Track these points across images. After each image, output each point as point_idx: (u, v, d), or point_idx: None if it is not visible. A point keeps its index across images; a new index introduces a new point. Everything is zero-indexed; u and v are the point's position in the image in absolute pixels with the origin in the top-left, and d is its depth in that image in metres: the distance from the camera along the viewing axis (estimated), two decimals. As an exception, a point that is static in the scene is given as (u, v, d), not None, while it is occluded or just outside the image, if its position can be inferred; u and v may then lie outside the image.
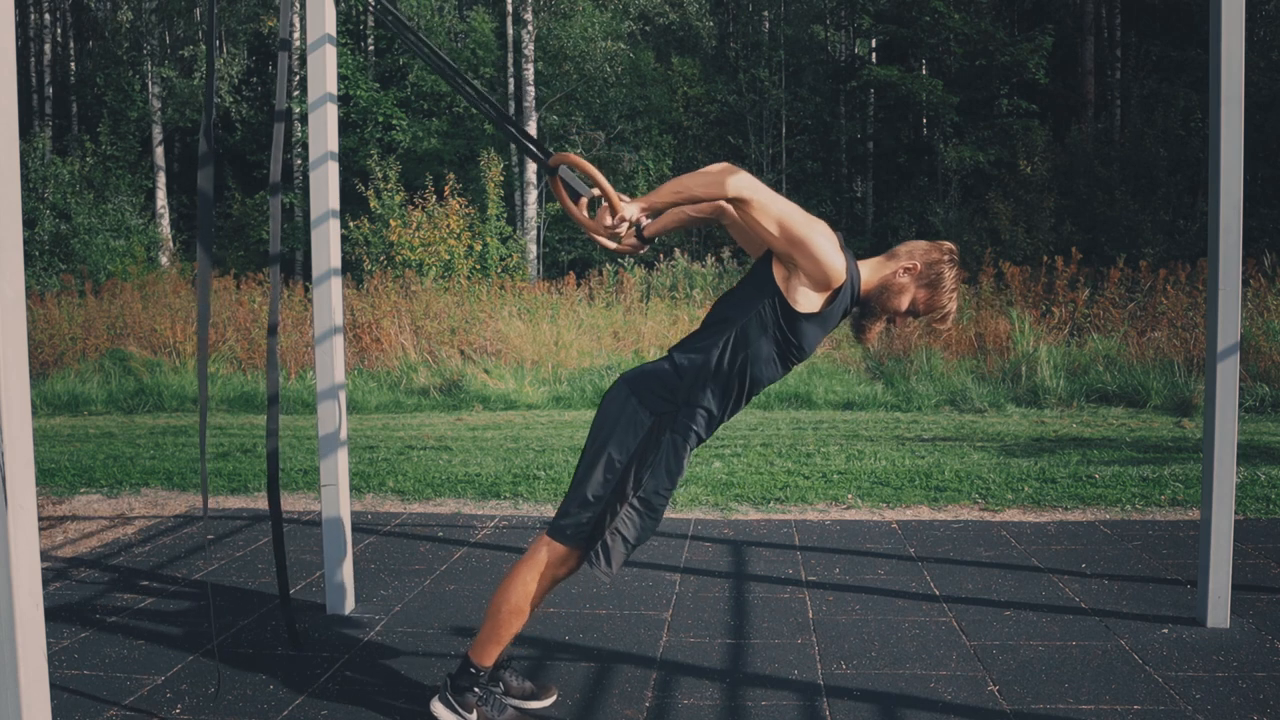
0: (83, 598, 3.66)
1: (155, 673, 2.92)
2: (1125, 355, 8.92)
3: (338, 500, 3.37)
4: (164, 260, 18.19)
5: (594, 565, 2.41)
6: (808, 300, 2.33)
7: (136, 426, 8.14)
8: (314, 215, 3.31)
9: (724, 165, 2.27)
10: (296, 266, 18.97)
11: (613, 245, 2.44)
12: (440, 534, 4.55)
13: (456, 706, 2.50)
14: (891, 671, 2.88)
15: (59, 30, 22.62)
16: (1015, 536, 4.34)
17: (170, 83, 18.91)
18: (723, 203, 2.34)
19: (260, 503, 5.26)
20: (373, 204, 13.79)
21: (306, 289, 11.82)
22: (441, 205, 13.21)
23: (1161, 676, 2.80)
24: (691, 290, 11.86)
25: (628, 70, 18.66)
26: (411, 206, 13.38)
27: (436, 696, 2.54)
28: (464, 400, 9.03)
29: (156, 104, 19.21)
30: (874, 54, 21.51)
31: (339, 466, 3.36)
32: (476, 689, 2.52)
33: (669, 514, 4.91)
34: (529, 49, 17.98)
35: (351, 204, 14.70)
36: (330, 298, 3.31)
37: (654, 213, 2.37)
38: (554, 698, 2.72)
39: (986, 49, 18.02)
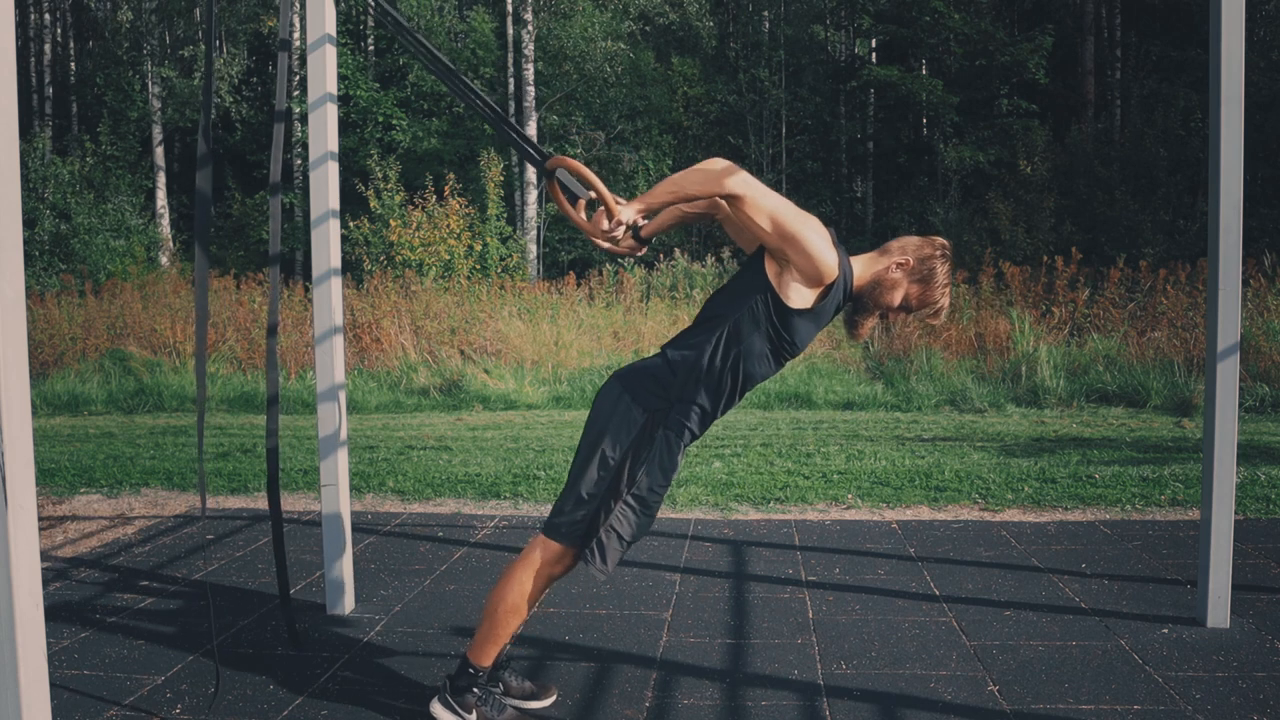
0: (83, 598, 3.66)
1: (155, 673, 2.92)
2: (1125, 355, 8.92)
3: (338, 500, 3.37)
4: (164, 260, 18.19)
5: (589, 563, 2.41)
6: (800, 296, 2.33)
7: (136, 426, 8.14)
8: (314, 215, 3.31)
9: (716, 161, 2.27)
10: (296, 266, 18.97)
11: (611, 248, 2.44)
12: (440, 534, 4.55)
13: (455, 707, 2.50)
14: (891, 671, 2.88)
15: (59, 30, 22.62)
16: (1015, 536, 4.34)
17: (170, 83, 18.91)
18: (717, 198, 2.34)
19: (260, 503, 5.26)
20: (373, 204, 13.79)
21: (306, 289, 11.82)
22: (441, 205, 13.21)
23: (1161, 676, 2.80)
24: (691, 290, 11.86)
25: (628, 70, 18.66)
26: (411, 206, 13.38)
27: (436, 698, 2.54)
28: (464, 400, 9.03)
29: (156, 104, 19.21)
30: (874, 54, 21.51)
31: (339, 466, 3.36)
32: (475, 689, 2.52)
33: (669, 514, 4.91)
34: (529, 49, 17.98)
35: (351, 204, 14.69)
36: (330, 298, 3.31)
37: (650, 213, 2.37)
38: (554, 698, 2.72)
39: (986, 49, 18.02)
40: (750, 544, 4.30)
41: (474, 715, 2.51)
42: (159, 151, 19.50)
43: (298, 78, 17.76)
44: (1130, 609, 3.37)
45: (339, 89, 16.82)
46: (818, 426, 7.50)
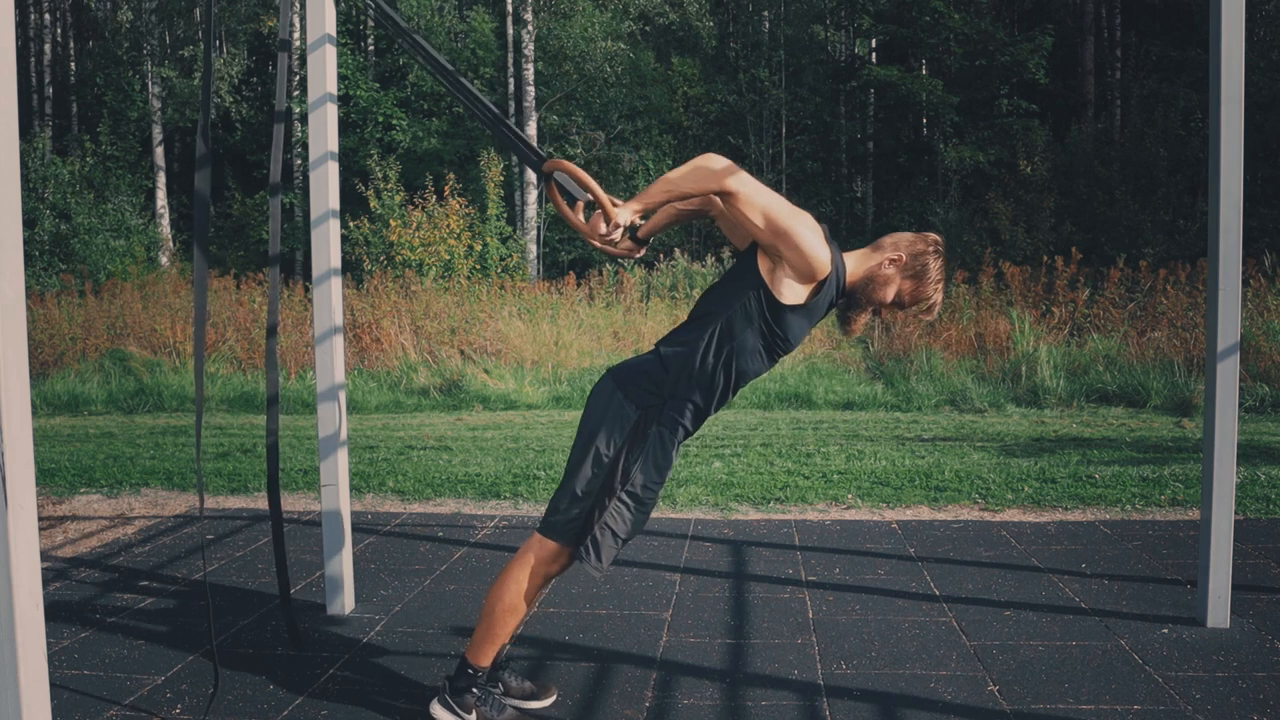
0: (83, 598, 3.66)
1: (155, 673, 2.92)
2: (1125, 355, 8.92)
3: (338, 500, 3.37)
4: (164, 260, 18.20)
5: (584, 560, 2.41)
6: (793, 292, 2.33)
7: (136, 426, 8.14)
8: (314, 215, 3.31)
9: (710, 157, 2.26)
10: (296, 266, 18.98)
11: (609, 250, 2.43)
12: (440, 534, 4.55)
13: (455, 708, 2.50)
14: (891, 671, 2.88)
15: (59, 30, 22.62)
16: (1015, 536, 4.34)
17: (170, 83, 18.91)
18: (711, 195, 2.33)
19: (260, 503, 5.26)
20: (373, 204, 13.79)
21: (306, 289, 11.82)
22: (441, 205, 13.21)
23: (1161, 676, 2.80)
24: (691, 290, 11.86)
25: (628, 70, 18.66)
26: (411, 206, 13.38)
27: (435, 698, 2.54)
28: (464, 400, 9.03)
29: (156, 104, 19.22)
30: (874, 54, 21.52)
31: (339, 466, 3.36)
32: (475, 689, 2.52)
33: (669, 514, 4.91)
34: (529, 49, 17.98)
35: (351, 204, 14.70)
36: (330, 298, 3.31)
37: (647, 213, 2.37)
38: (554, 698, 2.72)
39: (986, 49, 18.02)
40: (750, 544, 4.30)
41: (473, 715, 2.51)
42: (159, 151, 19.50)
43: (298, 78, 17.76)
44: (1130, 609, 3.37)
45: (339, 89, 16.83)
46: (818, 426, 7.50)
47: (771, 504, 5.06)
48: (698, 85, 20.28)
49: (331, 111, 3.27)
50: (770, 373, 9.38)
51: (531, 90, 18.05)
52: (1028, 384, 8.67)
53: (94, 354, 10.60)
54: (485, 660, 2.52)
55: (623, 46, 18.24)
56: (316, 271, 3.32)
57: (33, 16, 21.33)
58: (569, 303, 11.21)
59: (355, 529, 4.51)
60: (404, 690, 2.79)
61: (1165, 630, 3.17)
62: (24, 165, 16.59)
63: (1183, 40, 18.52)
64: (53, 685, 2.73)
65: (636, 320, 10.79)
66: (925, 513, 4.88)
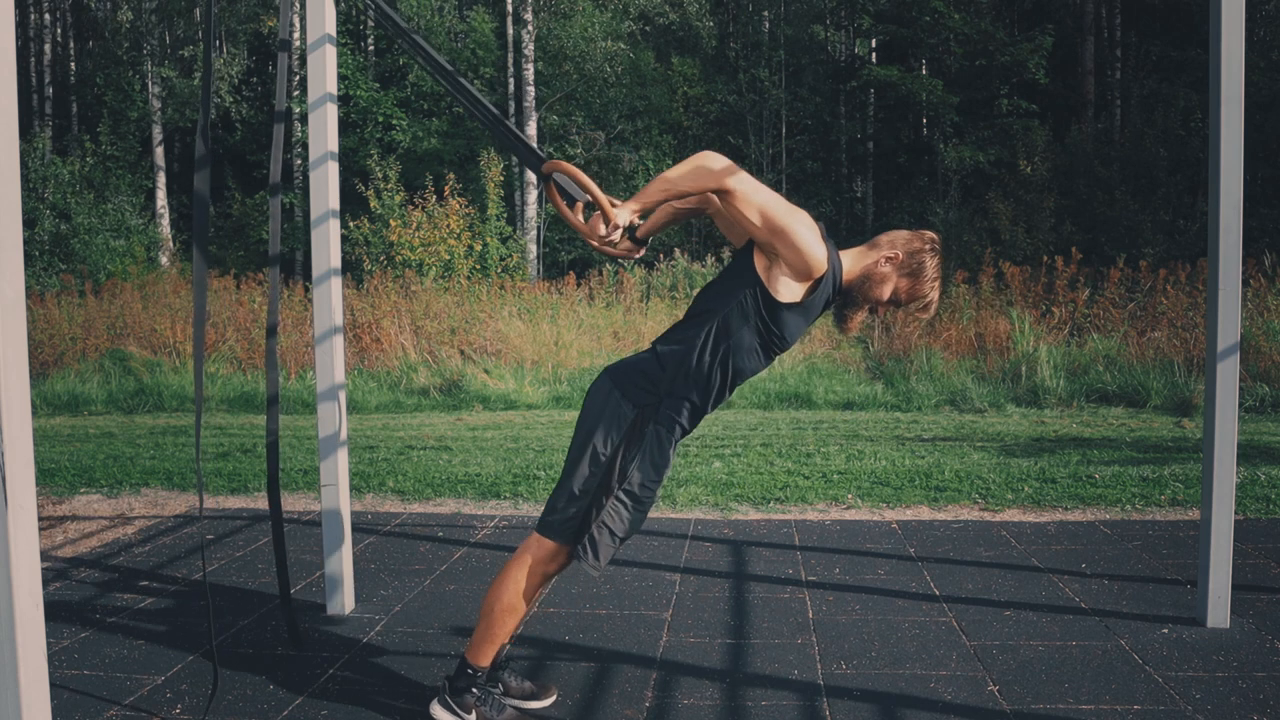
0: (83, 598, 3.66)
1: (155, 673, 2.92)
2: (1125, 355, 8.92)
3: (338, 500, 3.37)
4: (164, 260, 18.20)
5: (582, 559, 2.41)
6: (789, 290, 2.33)
7: (136, 426, 8.14)
8: (314, 215, 3.30)
9: (706, 154, 2.26)
10: (296, 266, 18.98)
11: (609, 251, 2.43)
12: (440, 534, 4.55)
13: (455, 708, 2.50)
14: (891, 671, 2.88)
15: (59, 30, 22.62)
16: (1015, 536, 4.34)
17: (170, 83, 18.91)
18: (708, 193, 2.33)
19: (260, 503, 5.26)
20: (373, 204, 13.79)
21: (306, 289, 11.83)
22: (441, 205, 13.21)
23: (1161, 676, 2.80)
24: (691, 290, 11.86)
25: (628, 70, 18.66)
26: (411, 206, 13.38)
27: (435, 699, 2.54)
28: (464, 400, 9.03)
29: (156, 104, 19.22)
30: (874, 54, 21.51)
31: (339, 466, 3.36)
32: (474, 689, 2.51)
33: (669, 514, 4.91)
34: (529, 49, 17.98)
35: (351, 204, 14.70)
36: (330, 298, 3.31)
37: (645, 213, 2.37)
38: (554, 698, 2.72)
39: (986, 49, 18.02)
40: (750, 544, 4.30)
41: (473, 715, 2.51)
42: (159, 151, 19.51)
43: (298, 78, 17.76)
44: (1130, 609, 3.37)
45: (339, 89, 16.83)
46: (818, 426, 7.50)
47: (771, 504, 5.06)
48: (698, 85, 20.28)
49: (331, 111, 3.27)
50: (770, 373, 9.38)
51: (531, 90, 18.05)
52: (1028, 384, 8.67)
53: (94, 354, 10.60)
54: (485, 660, 2.52)
55: (623, 46, 18.24)
56: (316, 271, 3.32)
57: (33, 16, 21.33)
58: (569, 303, 11.21)
59: (355, 529, 4.51)
60: (404, 690, 2.80)
61: (1165, 630, 3.17)
62: (24, 165, 16.59)
63: (1183, 40, 18.52)
64: (53, 685, 2.73)
65: (636, 320, 10.79)
66: (925, 513, 4.88)
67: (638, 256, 2.54)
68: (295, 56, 16.22)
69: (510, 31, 18.46)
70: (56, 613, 3.44)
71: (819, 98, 20.58)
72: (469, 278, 12.55)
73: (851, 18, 20.71)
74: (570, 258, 18.65)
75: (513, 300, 11.21)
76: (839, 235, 18.00)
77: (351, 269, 12.87)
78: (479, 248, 13.63)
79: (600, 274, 12.44)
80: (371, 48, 20.75)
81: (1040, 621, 3.27)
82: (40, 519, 4.90)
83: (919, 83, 18.24)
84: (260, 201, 19.52)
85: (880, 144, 20.78)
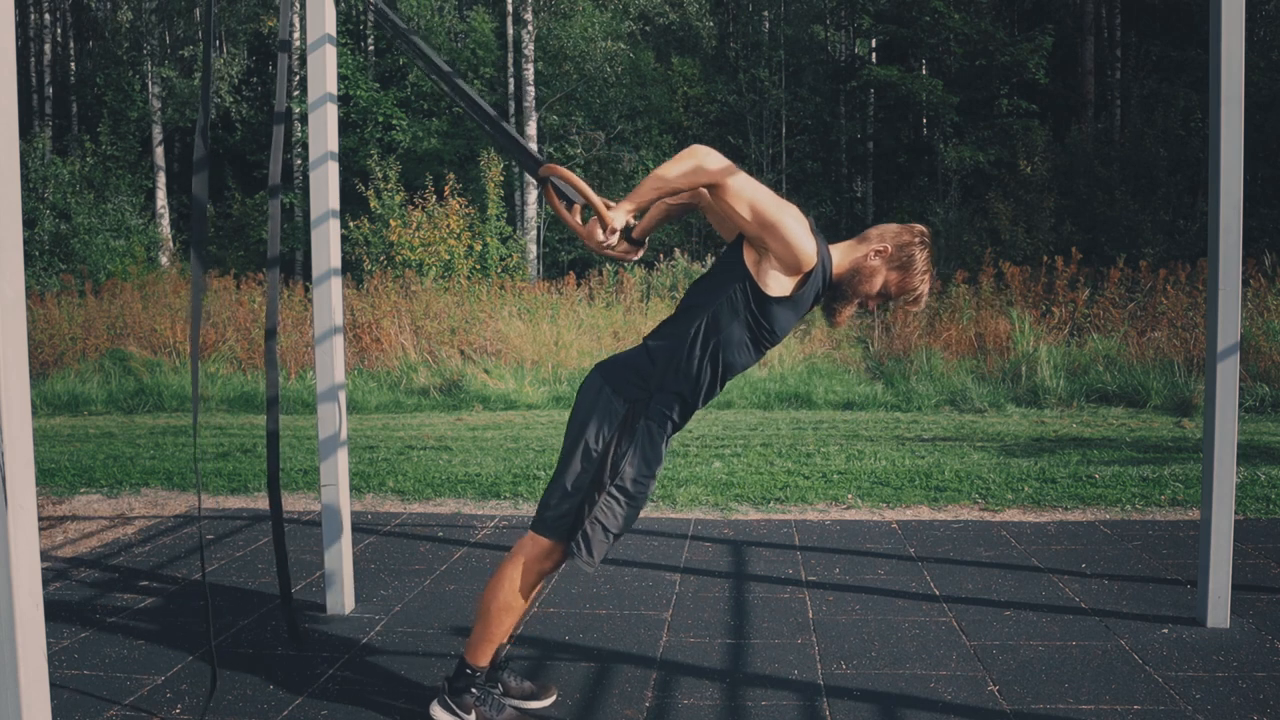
0: (83, 598, 3.66)
1: (155, 673, 2.92)
2: (1125, 355, 8.92)
3: (338, 500, 3.37)
4: (164, 260, 18.20)
5: (576, 556, 2.41)
6: (778, 284, 2.32)
7: (136, 426, 8.14)
8: (314, 215, 3.30)
9: (697, 148, 2.26)
10: (296, 266, 18.98)
11: (608, 253, 2.43)
12: (440, 534, 4.55)
13: (455, 708, 2.50)
14: (891, 671, 2.88)
15: (59, 30, 22.62)
16: (1015, 536, 4.34)
17: (170, 83, 18.91)
18: (700, 187, 2.33)
19: (260, 503, 5.26)
20: (373, 204, 13.79)
21: (306, 289, 11.83)
22: (441, 205, 13.21)
23: (1161, 676, 2.80)
24: (691, 290, 11.85)
25: (628, 70, 18.66)
26: (411, 206, 13.38)
27: (435, 700, 2.54)
28: (464, 400, 9.03)
29: (156, 104, 19.22)
30: (874, 54, 21.51)
31: (339, 466, 3.36)
32: (474, 689, 2.51)
33: (669, 514, 4.91)
34: (529, 49, 17.98)
35: (351, 204, 14.70)
36: (330, 298, 3.31)
37: (640, 211, 2.37)
38: (554, 698, 2.72)
39: (986, 49, 18.02)
40: (750, 544, 4.30)
41: (473, 716, 2.51)
42: (159, 151, 19.51)
43: (298, 78, 17.76)
44: (1130, 609, 3.37)
45: (339, 89, 16.83)
46: (818, 426, 7.50)
47: (771, 504, 5.06)
48: (698, 85, 20.27)
49: (331, 111, 3.27)
50: (770, 372, 9.38)
51: (531, 90, 18.05)
52: (1028, 384, 8.67)
53: (94, 354, 10.60)
54: (483, 660, 2.51)
55: (623, 46, 18.24)
56: (316, 271, 3.32)
57: (33, 16, 21.33)
58: (569, 303, 11.21)
59: (355, 529, 4.51)
60: (404, 690, 2.79)
61: (1165, 630, 3.17)
62: (24, 165, 16.59)
63: (1183, 40, 18.52)
64: (53, 685, 2.73)
65: (636, 320, 10.79)
66: (925, 513, 4.88)
67: (636, 258, 2.54)
68: (295, 56, 16.22)
69: (510, 31, 18.47)
70: (56, 613, 3.44)
71: (819, 98, 20.59)
72: (469, 278, 12.55)
73: (851, 18, 20.71)
74: (570, 258, 18.65)
75: (513, 300, 11.21)
76: (839, 235, 17.93)
77: (351, 269, 12.87)
78: (479, 248, 13.63)
79: (600, 274, 12.44)
80: (371, 48, 20.75)
81: (1040, 621, 3.27)
82: (40, 519, 4.90)
83: (919, 83, 18.24)
84: (260, 201, 19.52)
85: (880, 144, 20.78)
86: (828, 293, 2.45)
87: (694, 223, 18.19)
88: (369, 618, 3.40)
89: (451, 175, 14.03)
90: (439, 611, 3.47)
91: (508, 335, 10.08)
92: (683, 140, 20.27)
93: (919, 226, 2.46)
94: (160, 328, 10.77)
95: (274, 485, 3.09)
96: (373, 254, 13.21)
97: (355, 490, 5.49)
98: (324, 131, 3.25)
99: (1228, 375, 3.05)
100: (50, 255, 15.96)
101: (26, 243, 15.61)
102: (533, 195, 18.14)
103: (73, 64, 21.71)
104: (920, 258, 2.42)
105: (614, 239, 2.32)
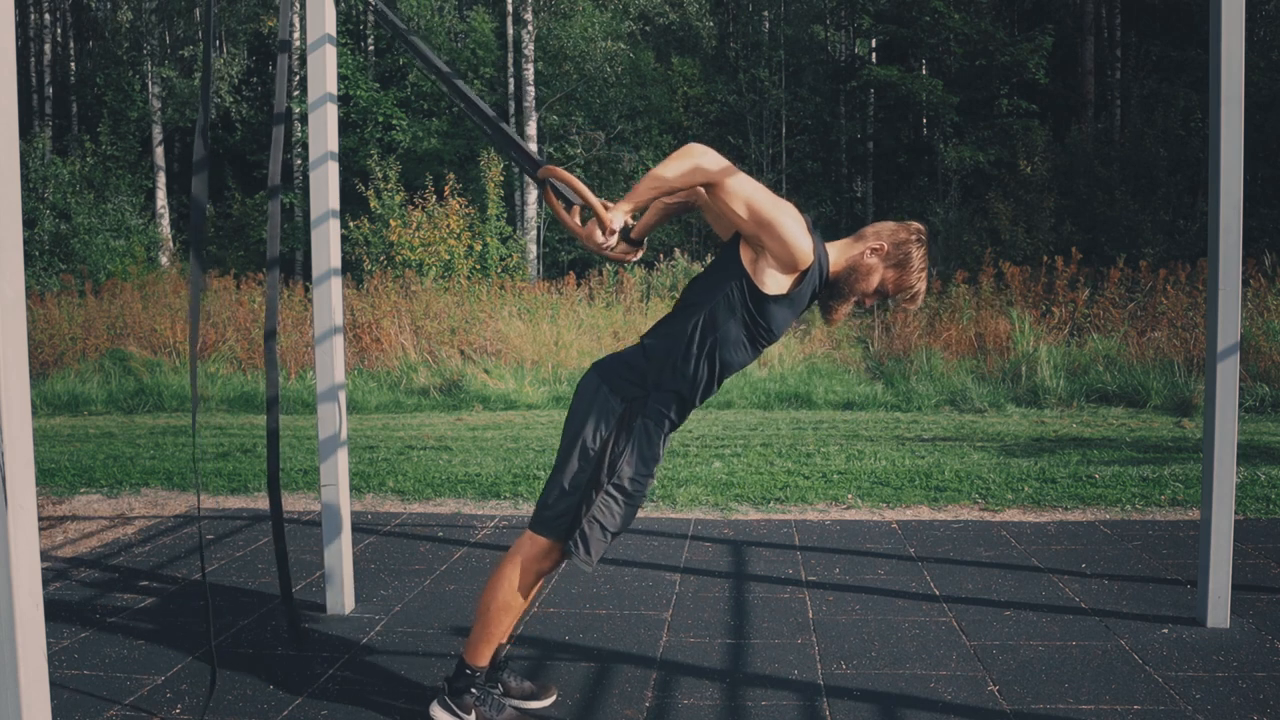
0: (83, 598, 3.66)
1: (155, 673, 2.92)
2: (1125, 355, 8.92)
3: (338, 500, 3.37)
4: (164, 260, 18.20)
5: (574, 555, 2.41)
6: (775, 282, 2.32)
7: (136, 426, 8.14)
8: (314, 215, 3.30)
9: (693, 147, 2.26)
10: (296, 266, 18.98)
11: (608, 254, 2.43)
12: (440, 534, 4.56)
13: (454, 708, 2.50)
14: (891, 671, 2.88)
15: (59, 30, 22.63)
16: (1015, 536, 4.34)
17: (170, 83, 18.92)
18: (697, 186, 2.33)
19: (260, 503, 5.26)
20: (373, 204, 13.79)
21: (306, 289, 11.83)
22: (441, 205, 13.21)
23: (1161, 676, 2.80)
24: (691, 290, 11.85)
25: (628, 70, 18.66)
26: (411, 206, 13.38)
27: (435, 700, 2.54)
28: (464, 400, 9.03)
29: (156, 104, 19.22)
30: (874, 54, 21.52)
31: (339, 466, 3.36)
32: (473, 690, 2.51)
33: (669, 514, 4.91)
34: (529, 49, 17.98)
35: (351, 204, 14.69)
36: (330, 298, 3.31)
37: (638, 211, 2.37)
38: (554, 698, 2.72)
39: (986, 49, 18.02)
40: (750, 544, 4.30)
41: (473, 716, 2.51)
42: (159, 151, 19.51)
43: (298, 78, 17.76)
44: (1130, 609, 3.37)
45: (339, 89, 16.83)
46: (818, 426, 7.50)
47: (771, 504, 5.06)
48: (698, 85, 20.28)
49: (331, 111, 3.27)
50: (770, 372, 9.38)
51: (531, 90, 18.05)
52: (1028, 384, 8.67)
53: (94, 354, 10.61)
54: (482, 660, 2.51)
55: (623, 46, 18.24)
56: (316, 271, 3.32)
57: (33, 16, 21.33)
58: (569, 303, 11.21)
59: (355, 529, 4.51)
60: (404, 690, 2.79)
61: (1165, 630, 3.17)
62: (24, 165, 16.59)
63: (1183, 40, 18.52)
64: (53, 685, 2.73)
65: (636, 320, 10.79)
66: (925, 513, 4.88)
67: (636, 258, 2.54)
68: (295, 57, 16.21)
69: (510, 31, 18.47)
70: (56, 613, 3.44)
71: (819, 98, 20.59)
72: (469, 278, 12.55)
73: (851, 18, 20.71)
74: (570, 258, 18.65)
75: (513, 300, 11.21)
76: (839, 235, 17.92)
77: (351, 269, 12.87)
78: (479, 248, 13.63)
79: (600, 274, 12.44)
80: (371, 48, 20.75)
81: (1040, 621, 3.27)
82: (40, 519, 4.90)
83: (919, 83, 18.24)
84: (260, 201, 19.52)
85: (880, 144, 20.78)
86: (824, 291, 2.45)
87: (694, 222, 18.20)
88: (369, 618, 3.40)
89: (451, 175, 14.03)
90: (439, 611, 3.47)
91: (508, 335, 10.08)
92: (682, 140, 20.27)
93: (915, 224, 2.46)
94: (160, 328, 10.78)
95: (274, 485, 3.09)
96: (373, 254, 13.21)
97: (355, 490, 5.49)
98: (324, 131, 3.25)
99: (1228, 375, 3.05)
100: (50, 255, 15.96)
101: (26, 243, 15.62)
102: (532, 195, 18.14)
103: (73, 64, 21.71)
104: (917, 255, 2.42)
105: (613, 240, 2.32)
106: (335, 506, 3.37)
